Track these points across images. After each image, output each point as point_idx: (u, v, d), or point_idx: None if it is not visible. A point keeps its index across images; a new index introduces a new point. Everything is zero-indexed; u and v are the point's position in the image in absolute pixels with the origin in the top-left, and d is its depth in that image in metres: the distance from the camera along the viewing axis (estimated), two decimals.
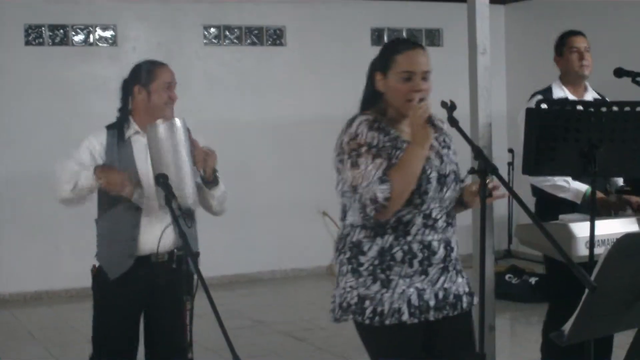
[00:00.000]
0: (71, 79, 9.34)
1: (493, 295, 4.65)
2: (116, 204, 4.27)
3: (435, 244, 3.54)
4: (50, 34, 9.60)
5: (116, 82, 4.52)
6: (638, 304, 2.91)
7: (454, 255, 3.62)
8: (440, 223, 3.56)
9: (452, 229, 3.63)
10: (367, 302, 3.49)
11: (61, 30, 9.65)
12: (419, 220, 3.50)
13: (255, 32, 10.41)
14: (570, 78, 5.17)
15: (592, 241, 4.09)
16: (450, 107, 3.42)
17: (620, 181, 5.14)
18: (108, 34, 9.82)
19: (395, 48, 3.60)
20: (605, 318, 2.99)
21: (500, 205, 9.92)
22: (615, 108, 4.18)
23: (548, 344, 5.04)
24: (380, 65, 3.59)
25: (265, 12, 10.31)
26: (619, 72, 4.99)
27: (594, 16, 9.46)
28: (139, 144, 4.32)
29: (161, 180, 3.92)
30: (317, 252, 10.21)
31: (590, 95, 5.18)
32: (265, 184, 10.17)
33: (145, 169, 4.25)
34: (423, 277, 3.52)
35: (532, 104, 4.53)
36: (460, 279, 3.64)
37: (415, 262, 3.50)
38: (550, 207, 4.88)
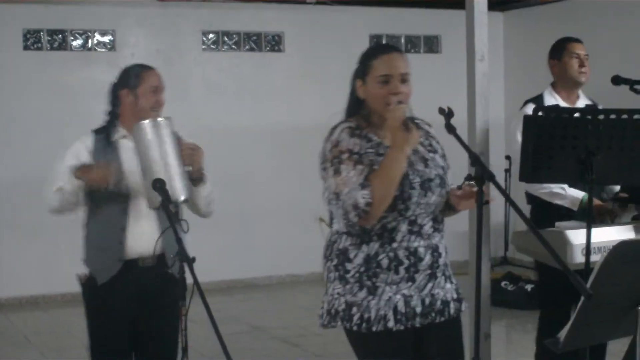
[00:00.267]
0: (70, 83, 9.34)
1: (489, 302, 4.65)
2: (104, 208, 4.27)
3: (421, 250, 3.53)
4: (49, 38, 9.61)
5: None
6: (634, 312, 2.91)
7: (442, 261, 3.61)
8: (427, 229, 3.55)
9: (439, 235, 3.62)
10: (355, 309, 3.50)
11: (60, 35, 9.65)
12: (404, 226, 3.50)
13: (254, 38, 10.42)
14: (566, 84, 5.15)
15: (588, 248, 4.09)
16: (448, 114, 3.42)
17: (616, 188, 5.14)
18: (107, 39, 9.82)
19: (371, 54, 3.61)
20: (601, 325, 2.99)
21: (496, 212, 9.92)
22: (612, 116, 4.18)
23: (542, 351, 5.04)
24: (359, 72, 3.60)
25: (264, 18, 10.32)
26: (617, 80, 4.99)
27: (592, 24, 9.47)
28: (126, 147, 4.31)
29: (158, 185, 3.92)
30: (314, 258, 10.10)
31: (583, 102, 5.17)
32: (263, 190, 10.17)
33: (132, 173, 4.24)
34: (410, 283, 3.52)
35: (525, 112, 4.53)
36: (448, 285, 3.64)
37: (402, 269, 3.50)
38: (546, 214, 4.87)
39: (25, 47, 9.49)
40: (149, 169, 4.09)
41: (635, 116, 4.19)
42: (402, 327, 3.49)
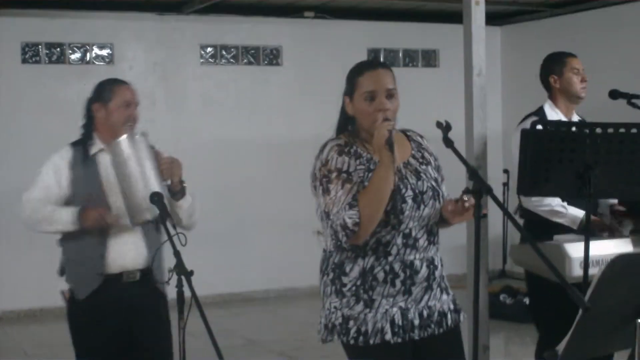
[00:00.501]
0: (68, 97, 9.34)
1: (487, 315, 4.65)
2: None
3: (417, 263, 3.53)
4: (47, 52, 9.62)
5: None
6: (632, 324, 2.91)
7: (437, 273, 3.60)
8: (422, 242, 3.54)
9: (434, 247, 3.61)
10: (351, 323, 3.49)
11: (58, 49, 9.67)
12: (398, 240, 3.49)
13: (252, 51, 10.44)
14: (567, 99, 5.14)
15: (586, 262, 4.09)
16: (445, 128, 3.41)
17: (610, 201, 5.13)
18: (105, 52, 9.84)
19: (357, 70, 3.59)
20: (599, 338, 2.99)
21: (495, 225, 9.93)
22: (610, 129, 4.19)
23: None
24: (347, 89, 3.59)
25: (262, 32, 10.35)
26: (614, 94, 5.00)
27: (588, 39, 9.50)
28: (104, 161, 4.29)
29: (156, 199, 3.92)
30: (311, 272, 10.10)
31: (575, 117, 5.17)
32: (260, 203, 10.17)
33: (111, 187, 4.23)
34: (406, 296, 3.51)
35: (525, 126, 4.53)
36: (445, 297, 3.63)
37: (398, 282, 3.49)
38: (541, 228, 4.86)
39: (24, 61, 9.51)
40: (128, 187, 4.09)
41: (633, 130, 4.19)
42: (399, 340, 3.48)
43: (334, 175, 3.45)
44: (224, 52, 10.33)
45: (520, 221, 5.11)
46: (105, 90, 4.37)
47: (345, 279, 3.51)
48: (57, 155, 4.36)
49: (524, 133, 4.28)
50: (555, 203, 4.90)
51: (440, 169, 3.68)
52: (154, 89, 9.83)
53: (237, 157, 10.06)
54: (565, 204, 4.89)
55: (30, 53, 9.56)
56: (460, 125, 4.48)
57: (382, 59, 10.75)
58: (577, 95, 5.11)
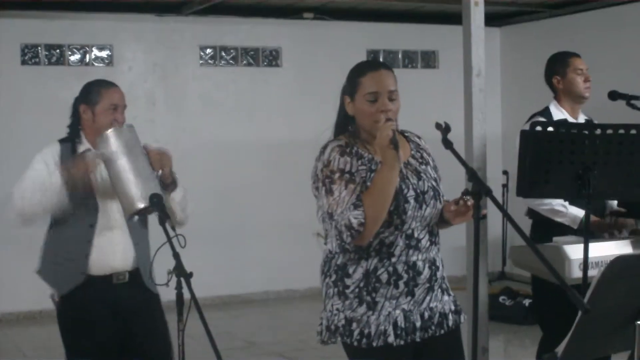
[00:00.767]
0: (67, 98, 9.24)
1: (487, 316, 4.65)
2: (69, 220, 4.22)
3: (420, 264, 3.53)
4: (47, 53, 9.61)
5: None
6: (632, 326, 2.91)
7: (439, 274, 3.61)
8: (424, 242, 3.55)
9: (436, 248, 3.62)
10: (354, 324, 3.49)
11: (57, 50, 9.66)
12: (401, 241, 3.50)
13: (251, 52, 10.43)
14: (571, 99, 5.14)
15: (585, 263, 4.09)
16: (445, 129, 3.42)
17: (614, 204, 5.14)
18: (104, 54, 9.84)
19: (359, 71, 3.60)
20: (599, 340, 2.99)
21: (494, 227, 9.93)
22: (609, 130, 4.19)
23: None
24: (347, 89, 3.60)
25: (262, 33, 10.34)
26: (614, 95, 5.00)
27: (588, 39, 9.49)
28: None
29: (155, 200, 3.91)
30: (311, 273, 10.11)
31: (582, 118, 5.17)
32: (259, 205, 10.16)
33: (100, 186, 4.22)
34: (409, 297, 3.51)
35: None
36: (446, 297, 3.64)
37: (401, 283, 3.50)
38: (548, 229, 4.86)
39: (23, 62, 9.49)
40: (119, 178, 4.05)
41: (632, 131, 4.19)
42: (402, 342, 3.49)
43: (336, 175, 3.45)
44: (223, 53, 10.33)
45: (529, 222, 5.12)
46: (92, 92, 4.36)
47: (348, 281, 3.51)
48: (47, 150, 4.35)
49: (523, 134, 4.28)
50: (555, 202, 4.90)
51: (437, 169, 3.69)
52: (153, 90, 9.83)
53: (237, 158, 10.05)
54: (566, 203, 4.90)
55: (29, 54, 9.55)
56: (460, 127, 4.48)
57: (381, 61, 10.75)
58: (580, 95, 5.11)
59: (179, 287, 3.65)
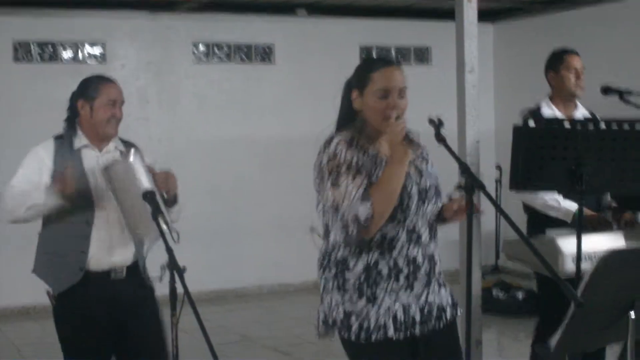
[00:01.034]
0: (60, 96, 9.22)
1: (480, 310, 4.66)
2: (66, 216, 4.19)
3: (420, 258, 3.55)
4: (39, 51, 9.60)
5: None
6: (624, 318, 2.93)
7: (437, 269, 3.62)
8: (424, 237, 3.57)
9: (434, 243, 3.63)
10: (353, 318, 3.49)
11: (50, 47, 9.65)
12: (403, 235, 3.51)
13: (245, 49, 10.43)
14: (563, 96, 5.16)
15: (579, 257, 4.10)
16: (438, 124, 3.43)
17: (608, 198, 5.16)
18: (97, 51, 9.82)
19: (371, 66, 3.61)
20: (591, 332, 3.01)
21: (487, 221, 9.94)
22: (602, 126, 4.20)
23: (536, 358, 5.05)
24: (356, 83, 3.59)
25: (255, 30, 10.34)
26: (606, 90, 5.02)
27: (581, 36, 9.50)
28: (89, 157, 4.29)
29: (148, 196, 3.91)
30: (304, 268, 10.15)
31: (580, 113, 5.18)
32: (253, 201, 10.17)
33: (96, 183, 4.21)
34: (408, 291, 3.52)
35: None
36: (443, 291, 3.65)
37: (402, 277, 3.51)
38: (544, 224, 4.88)
39: (16, 59, 9.48)
40: (130, 210, 4.05)
41: (625, 126, 4.21)
42: (401, 336, 3.50)
43: (343, 168, 3.44)
44: (216, 50, 10.32)
45: (523, 216, 5.14)
46: (90, 88, 4.36)
47: (348, 274, 3.52)
48: (40, 147, 4.33)
49: (517, 130, 4.29)
50: (549, 197, 4.92)
51: (434, 166, 3.71)
52: (146, 88, 9.83)
53: (230, 154, 10.06)
54: (560, 197, 4.91)
55: (22, 52, 9.52)
56: (453, 122, 4.49)
57: (374, 57, 10.76)
58: (570, 93, 5.14)
59: (172, 281, 3.66)
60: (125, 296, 4.29)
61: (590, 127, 4.23)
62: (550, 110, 5.12)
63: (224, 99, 10.19)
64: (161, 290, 3.96)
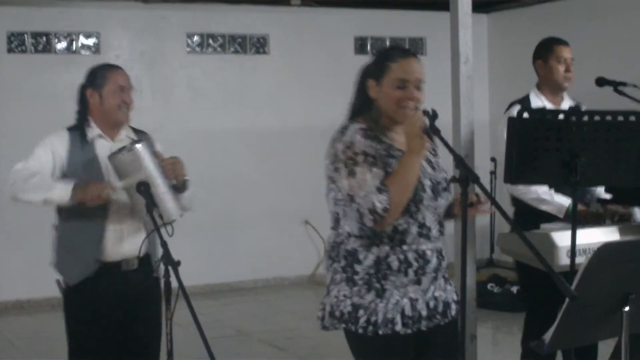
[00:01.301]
0: (54, 86, 9.28)
1: (475, 304, 4.66)
2: (81, 208, 4.17)
3: (429, 253, 3.55)
4: (33, 41, 9.57)
5: None
6: (619, 313, 2.92)
7: (444, 264, 3.63)
8: (434, 232, 3.57)
9: (442, 238, 3.64)
10: (361, 312, 3.48)
11: (44, 38, 9.62)
12: (414, 229, 3.50)
13: (239, 40, 10.41)
14: (550, 86, 5.15)
15: (573, 250, 4.10)
16: (432, 116, 3.42)
17: (601, 191, 5.15)
18: (91, 41, 9.80)
19: (390, 56, 3.58)
20: (586, 327, 3.00)
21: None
22: (596, 117, 4.19)
23: (528, 353, 5.04)
24: (374, 72, 3.57)
25: (249, 21, 10.31)
26: (601, 81, 5.00)
27: (576, 26, 9.50)
28: (103, 148, 4.28)
29: (142, 188, 3.91)
30: (300, 261, 10.20)
31: (566, 104, 5.16)
32: (248, 193, 10.15)
33: (109, 173, 4.20)
34: (416, 286, 3.52)
35: (511, 114, 4.53)
36: (449, 287, 3.66)
37: (411, 272, 3.50)
38: (531, 217, 4.86)
39: (9, 50, 9.45)
40: (138, 199, 4.04)
41: (619, 117, 4.19)
42: (409, 331, 3.50)
43: (360, 158, 3.43)
44: (210, 41, 10.30)
45: (511, 209, 5.12)
46: (98, 76, 4.35)
47: (358, 267, 3.50)
48: (55, 136, 4.33)
49: (511, 121, 4.27)
50: (541, 191, 4.91)
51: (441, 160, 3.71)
52: (140, 78, 9.76)
53: (225, 146, 10.04)
54: (552, 191, 4.90)
55: (16, 42, 9.50)
56: (447, 114, 4.48)
57: (369, 47, 10.75)
58: (559, 83, 5.12)
59: (166, 275, 3.65)
60: (135, 288, 4.29)
61: (585, 118, 4.22)
62: (539, 101, 5.10)
63: (218, 89, 10.17)
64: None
